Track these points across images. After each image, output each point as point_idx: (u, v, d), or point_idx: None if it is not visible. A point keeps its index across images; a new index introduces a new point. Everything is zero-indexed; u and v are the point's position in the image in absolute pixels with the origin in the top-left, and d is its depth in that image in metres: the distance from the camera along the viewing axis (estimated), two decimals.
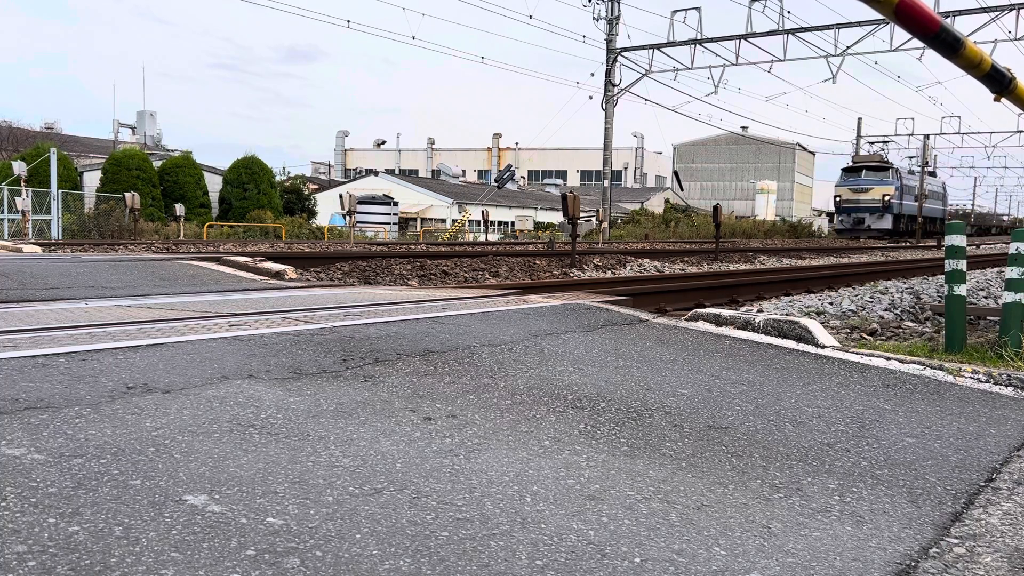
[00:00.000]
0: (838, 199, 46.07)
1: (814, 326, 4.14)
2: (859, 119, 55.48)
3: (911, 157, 55.24)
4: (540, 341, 3.66)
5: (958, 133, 51.04)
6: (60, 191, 25.90)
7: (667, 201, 56.87)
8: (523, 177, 75.92)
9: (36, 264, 7.02)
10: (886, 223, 43.94)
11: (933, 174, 54.28)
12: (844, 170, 46.94)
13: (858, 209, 44.69)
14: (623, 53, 31.69)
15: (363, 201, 36.61)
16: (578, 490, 1.84)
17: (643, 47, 31.66)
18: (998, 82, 3.01)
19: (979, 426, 2.67)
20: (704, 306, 7.14)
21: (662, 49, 31.16)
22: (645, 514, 1.72)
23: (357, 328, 3.65)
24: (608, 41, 31.48)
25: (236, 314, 4.07)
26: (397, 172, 68.21)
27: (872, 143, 51.18)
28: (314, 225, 36.48)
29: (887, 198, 43.69)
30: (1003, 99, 3.20)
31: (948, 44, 2.65)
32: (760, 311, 6.61)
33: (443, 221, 48.36)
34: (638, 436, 2.31)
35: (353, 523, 1.55)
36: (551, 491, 1.81)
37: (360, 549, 1.45)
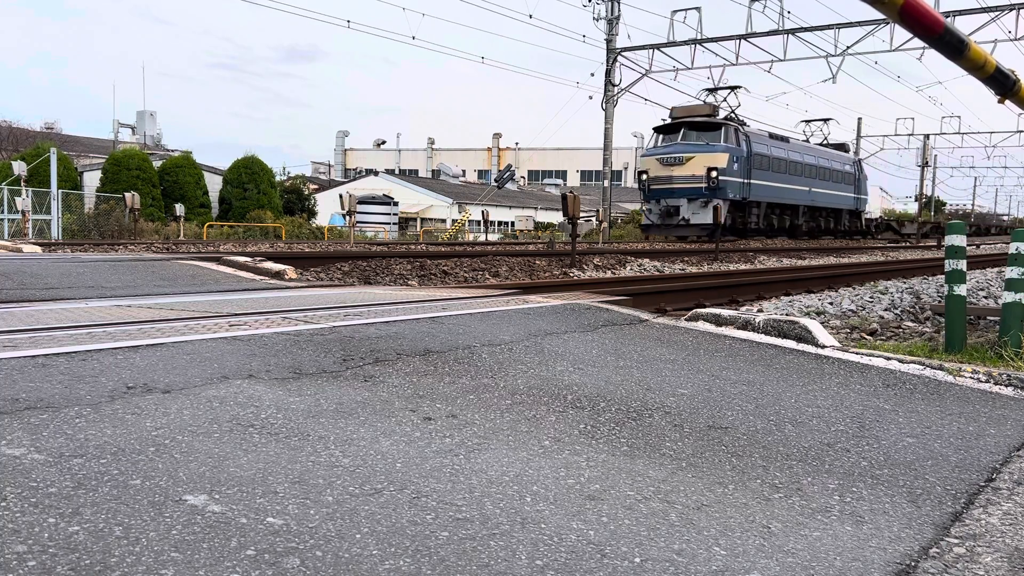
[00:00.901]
0: (644, 177, 27.79)
1: (814, 326, 4.14)
2: (859, 119, 52.59)
3: (809, 121, 39.01)
4: (540, 341, 3.66)
5: (958, 133, 51.08)
6: (60, 191, 25.91)
7: None
8: (523, 177, 75.96)
9: (36, 264, 7.02)
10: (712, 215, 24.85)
11: (844, 148, 39.24)
12: (656, 130, 28.84)
13: (670, 192, 26.94)
14: (623, 53, 31.70)
15: (363, 201, 36.64)
16: (578, 490, 1.84)
17: (643, 47, 31.69)
18: (1002, 84, 3.01)
19: (979, 426, 2.67)
20: (704, 306, 7.14)
21: (662, 49, 31.18)
22: (645, 514, 1.72)
23: (357, 328, 3.65)
24: (608, 41, 31.49)
25: (236, 314, 4.07)
26: (397, 172, 68.26)
27: (710, 91, 30.68)
28: (314, 225, 36.50)
29: (715, 174, 26.11)
30: (1007, 101, 3.20)
31: (952, 46, 2.65)
32: (760, 311, 6.61)
33: (443, 221, 48.39)
34: (638, 436, 2.31)
35: (353, 523, 1.55)
36: (551, 491, 1.81)
37: (360, 549, 1.45)
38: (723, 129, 27.32)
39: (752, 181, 28.21)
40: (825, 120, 38.66)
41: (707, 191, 26.35)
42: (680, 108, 28.87)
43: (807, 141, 35.68)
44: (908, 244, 36.41)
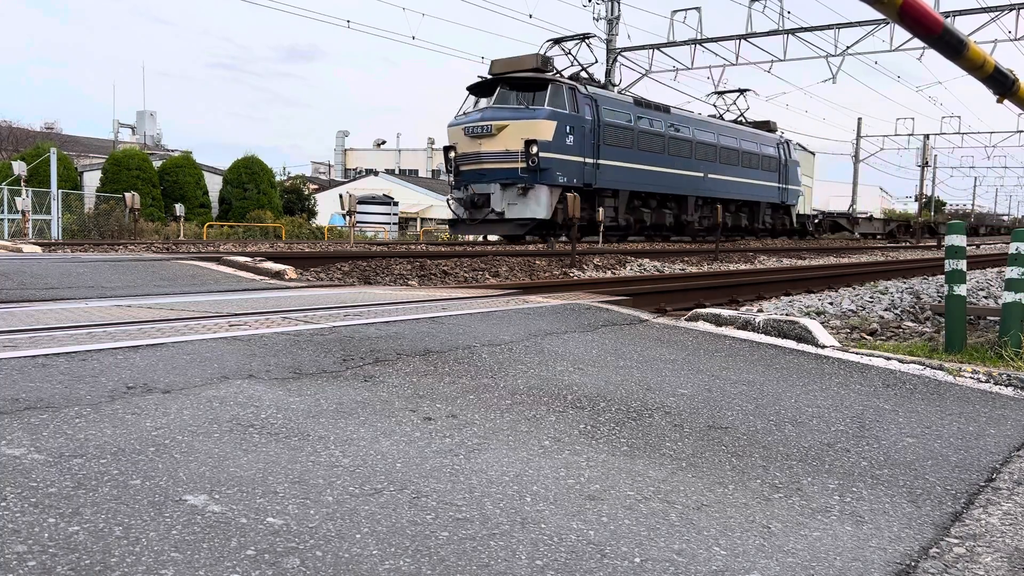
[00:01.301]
0: (451, 154, 20.00)
1: (814, 326, 4.14)
2: (859, 119, 52.35)
3: (721, 93, 30.09)
4: (540, 341, 3.66)
5: (958, 133, 51.13)
6: (60, 191, 25.89)
7: None
8: None
9: (36, 264, 7.02)
10: (535, 206, 18.59)
11: (768, 127, 30.06)
12: (469, 90, 20.68)
13: (479, 175, 19.34)
14: (623, 53, 31.70)
15: (363, 201, 36.59)
16: (578, 490, 1.84)
17: (643, 47, 31.69)
18: (1001, 83, 3.01)
19: (979, 426, 2.67)
20: (704, 306, 7.14)
21: (662, 49, 31.17)
22: (645, 514, 1.72)
23: (357, 328, 3.65)
24: (608, 41, 31.48)
25: (236, 314, 4.07)
26: (397, 172, 68.18)
27: (556, 41, 22.55)
28: (314, 225, 36.49)
29: (535, 150, 18.38)
30: (1006, 100, 3.21)
31: (951, 45, 2.66)
32: (760, 311, 6.61)
33: (443, 221, 48.35)
34: (638, 436, 2.31)
35: (353, 523, 1.55)
36: (551, 491, 1.81)
37: (360, 549, 1.45)
38: (550, 88, 19.11)
39: (601, 161, 20.25)
40: (741, 91, 29.93)
41: (525, 173, 18.46)
42: (499, 61, 20.47)
43: (721, 117, 27.85)
44: (908, 244, 35.66)
